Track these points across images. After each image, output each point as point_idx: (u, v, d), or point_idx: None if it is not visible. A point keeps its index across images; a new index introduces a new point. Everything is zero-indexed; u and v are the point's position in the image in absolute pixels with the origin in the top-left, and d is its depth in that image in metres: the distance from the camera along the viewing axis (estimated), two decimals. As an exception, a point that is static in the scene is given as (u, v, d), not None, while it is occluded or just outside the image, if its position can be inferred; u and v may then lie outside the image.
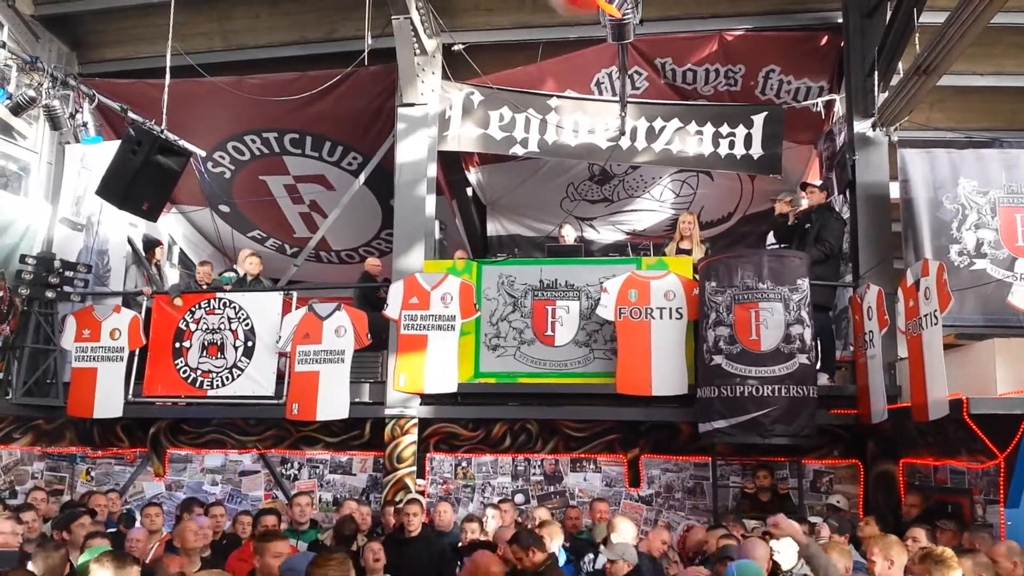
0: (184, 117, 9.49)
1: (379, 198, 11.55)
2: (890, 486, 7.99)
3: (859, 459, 8.46)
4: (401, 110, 9.71)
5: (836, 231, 8.66)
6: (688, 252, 9.22)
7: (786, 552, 4.99)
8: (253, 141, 11.47)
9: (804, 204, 9.18)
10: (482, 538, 6.66)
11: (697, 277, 8.44)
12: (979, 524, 6.34)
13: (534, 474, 9.04)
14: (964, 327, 7.39)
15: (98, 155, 10.04)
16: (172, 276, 11.95)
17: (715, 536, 6.28)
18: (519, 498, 8.78)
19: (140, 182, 8.34)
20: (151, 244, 11.36)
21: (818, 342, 8.18)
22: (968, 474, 6.87)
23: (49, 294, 9.57)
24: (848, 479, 8.50)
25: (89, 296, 10.11)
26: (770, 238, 9.42)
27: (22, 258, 9.76)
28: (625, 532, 6.03)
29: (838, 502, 8.05)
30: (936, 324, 6.51)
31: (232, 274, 10.03)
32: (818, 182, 9.56)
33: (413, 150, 9.58)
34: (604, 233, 12.55)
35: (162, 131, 8.28)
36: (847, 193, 9.24)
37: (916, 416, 6.76)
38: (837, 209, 9.34)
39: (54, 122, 8.57)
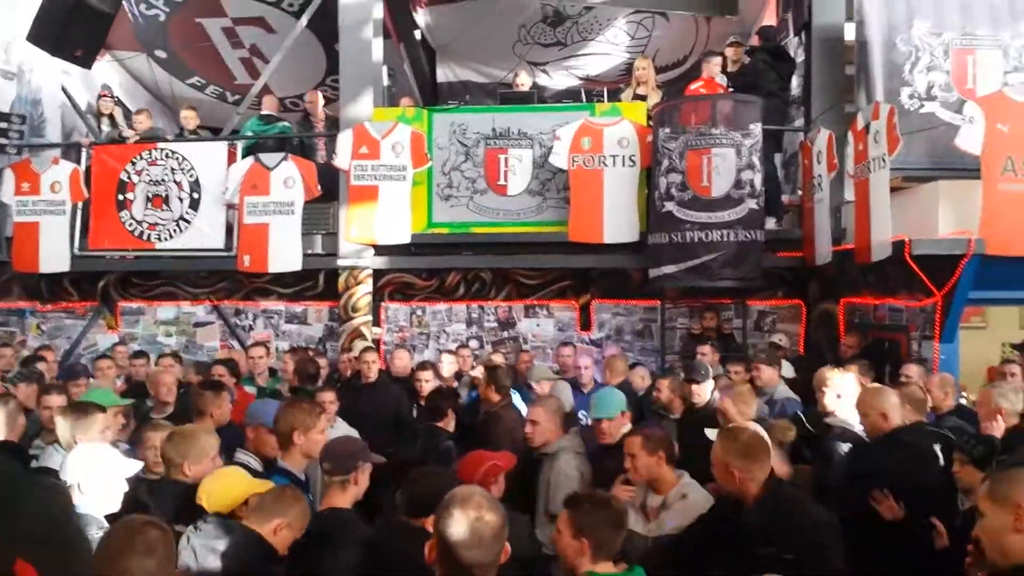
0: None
1: (323, 42, 11.05)
2: (831, 324, 8.31)
3: (802, 299, 8.78)
4: (343, -56, 9.15)
5: (765, 75, 8.52)
6: (644, 98, 9.09)
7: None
8: (187, -21, 10.81)
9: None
10: (438, 383, 6.84)
11: (651, 123, 8.37)
12: (914, 358, 6.67)
13: (488, 321, 9.21)
14: (911, 170, 7.48)
15: (26, -1, 9.40)
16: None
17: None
18: (473, 344, 8.97)
19: (72, 27, 7.90)
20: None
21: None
22: (906, 312, 7.16)
23: (-17, 146, 9.20)
24: (790, 319, 8.83)
25: (26, 148, 9.71)
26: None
27: (-49, 109, 9.29)
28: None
29: (780, 340, 8.37)
30: (884, 167, 6.59)
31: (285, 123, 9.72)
32: (733, 39, 9.37)
33: (357, -11, 9.10)
34: (557, 78, 12.28)
35: (88, -30, 7.76)
36: (803, 35, 9.09)
37: (859, 258, 6.95)
38: (792, 52, 9.22)
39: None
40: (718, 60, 9.04)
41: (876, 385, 5.06)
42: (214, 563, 3.04)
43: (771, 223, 8.40)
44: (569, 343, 8.37)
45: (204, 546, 3.09)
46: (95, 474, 3.40)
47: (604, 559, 2.78)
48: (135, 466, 3.60)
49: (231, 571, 3.00)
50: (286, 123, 9.98)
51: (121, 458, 3.61)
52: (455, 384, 7.28)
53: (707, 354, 7.34)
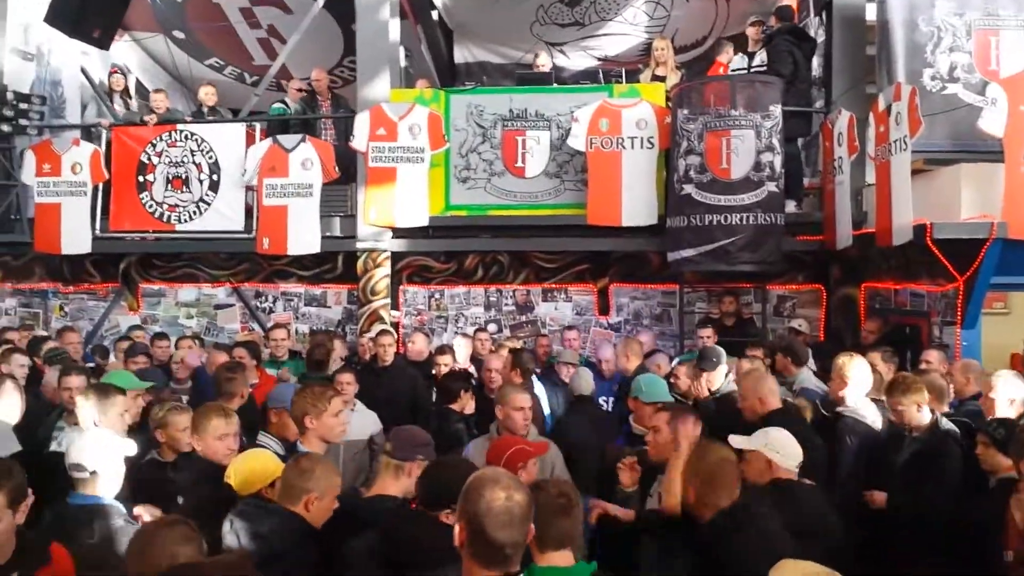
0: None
1: (340, 22, 11.03)
2: (851, 309, 8.27)
3: (822, 284, 8.72)
4: (360, -76, 9.09)
5: (785, 59, 8.39)
6: (663, 79, 9.01)
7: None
8: (204, -40, 10.79)
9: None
10: (457, 367, 6.86)
11: (670, 105, 8.31)
12: (935, 344, 6.63)
13: (506, 304, 9.23)
14: (933, 152, 7.40)
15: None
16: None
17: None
18: (492, 327, 9.00)
19: (89, 8, 7.91)
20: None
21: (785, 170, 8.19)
22: (927, 297, 7.11)
23: (4, 127, 9.25)
24: (811, 303, 8.78)
25: (46, 129, 9.77)
26: (737, 62, 9.16)
27: (-29, 90, 9.33)
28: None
29: (799, 326, 8.33)
30: (905, 150, 6.52)
31: (281, 105, 9.66)
32: (754, 18, 9.25)
33: (374, -32, 9.05)
34: (575, 59, 12.19)
35: (106, -49, 7.76)
36: (823, 15, 8.98)
37: (880, 241, 6.90)
38: (813, 32, 9.11)
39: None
40: (730, 47, 8.97)
41: (760, 371, 5.17)
42: (257, 546, 3.10)
43: (791, 206, 8.34)
44: (574, 327, 8.48)
45: (245, 529, 3.15)
46: (111, 459, 3.46)
47: (551, 548, 2.53)
48: (131, 447, 3.67)
49: (274, 553, 3.05)
50: (280, 105, 9.81)
51: (123, 440, 3.68)
52: (470, 368, 7.30)
53: (709, 336, 7.38)
